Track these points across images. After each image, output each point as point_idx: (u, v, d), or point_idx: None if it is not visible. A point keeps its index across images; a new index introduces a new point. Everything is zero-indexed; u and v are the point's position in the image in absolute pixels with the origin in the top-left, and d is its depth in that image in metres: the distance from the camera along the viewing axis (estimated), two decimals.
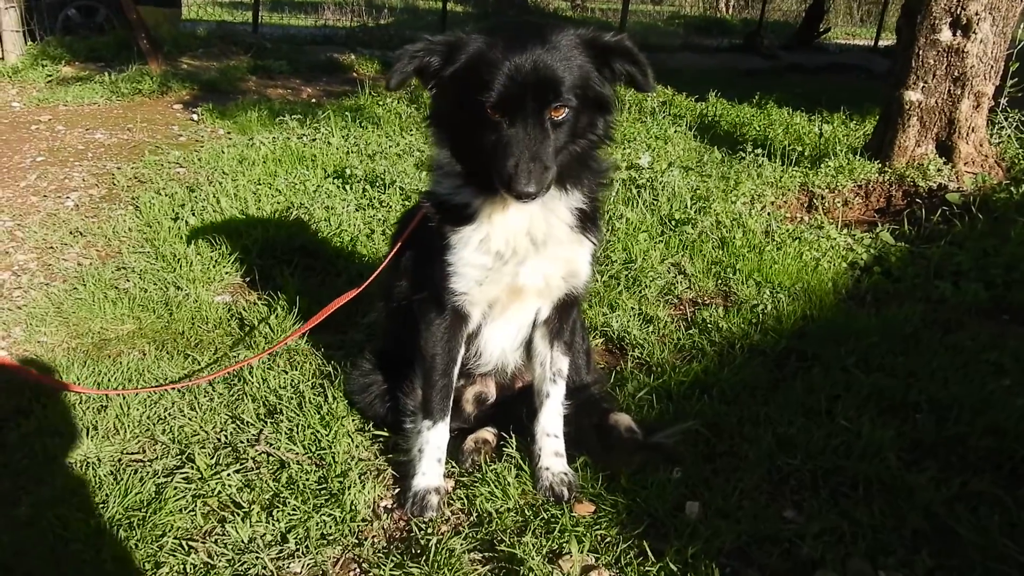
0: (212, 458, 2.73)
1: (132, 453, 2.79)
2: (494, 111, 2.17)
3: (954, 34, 6.24)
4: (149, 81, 9.26)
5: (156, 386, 3.15)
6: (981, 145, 6.47)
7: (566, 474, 2.64)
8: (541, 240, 2.48)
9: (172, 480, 2.62)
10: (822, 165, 6.41)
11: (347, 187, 5.67)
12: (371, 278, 2.93)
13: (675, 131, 7.98)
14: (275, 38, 13.93)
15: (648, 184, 5.77)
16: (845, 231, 5.29)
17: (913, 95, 6.41)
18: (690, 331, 3.82)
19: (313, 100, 9.56)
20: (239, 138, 7.24)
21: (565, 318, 2.75)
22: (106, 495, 2.55)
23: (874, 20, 28.50)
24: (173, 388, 3.11)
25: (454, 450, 2.77)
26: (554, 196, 2.41)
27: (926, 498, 2.55)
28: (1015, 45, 6.67)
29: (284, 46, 13.03)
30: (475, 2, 24.70)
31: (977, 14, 6.11)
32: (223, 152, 6.48)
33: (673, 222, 5.12)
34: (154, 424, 2.94)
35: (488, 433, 2.86)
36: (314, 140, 7.00)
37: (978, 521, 2.46)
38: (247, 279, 4.28)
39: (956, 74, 6.28)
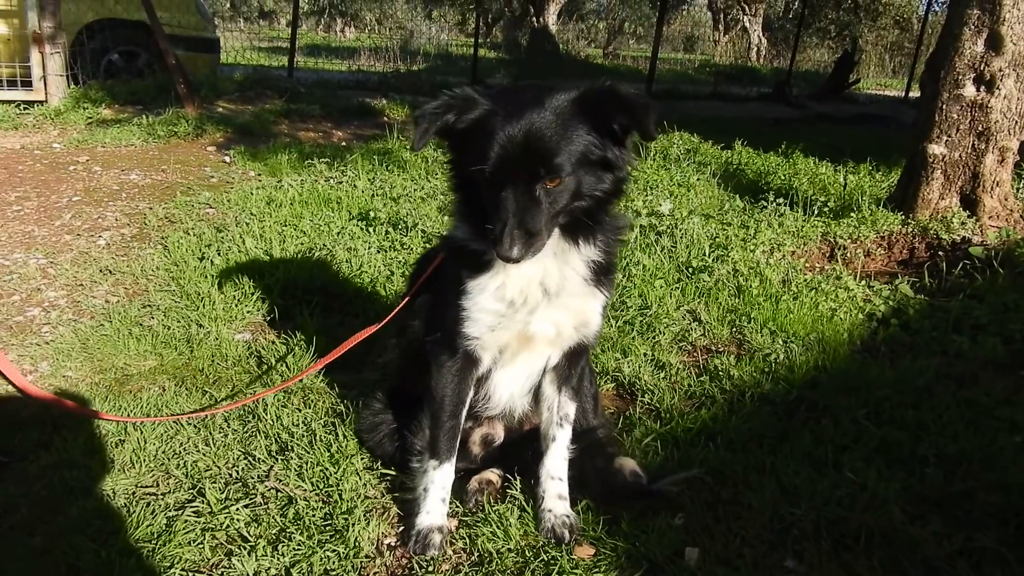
0: (223, 492, 2.80)
1: (146, 486, 2.86)
2: (489, 178, 2.26)
3: (978, 89, 6.27)
4: (185, 124, 9.52)
5: (173, 415, 3.24)
6: (1006, 199, 6.45)
7: (568, 516, 2.67)
8: (554, 291, 2.53)
9: (183, 513, 2.68)
10: (845, 216, 6.43)
11: (370, 229, 5.78)
12: (388, 318, 3.00)
13: (698, 179, 8.04)
14: (309, 83, 14.26)
15: (667, 231, 5.83)
16: (864, 282, 5.29)
17: (937, 148, 6.43)
18: (701, 378, 3.84)
19: (343, 143, 9.77)
20: (268, 180, 7.41)
21: (574, 365, 2.80)
22: (118, 527, 2.61)
23: (905, 71, 28.52)
24: (188, 417, 3.18)
25: (459, 490, 2.81)
26: (567, 250, 2.48)
27: (929, 553, 2.54)
28: None
29: (318, 90, 13.33)
30: (507, 48, 25.14)
31: (1001, 70, 6.14)
32: (252, 193, 6.64)
33: (690, 269, 5.16)
34: (169, 459, 3.01)
35: (493, 474, 2.90)
36: (341, 183, 7.15)
37: None
38: (268, 318, 4.38)
39: (980, 129, 6.29)
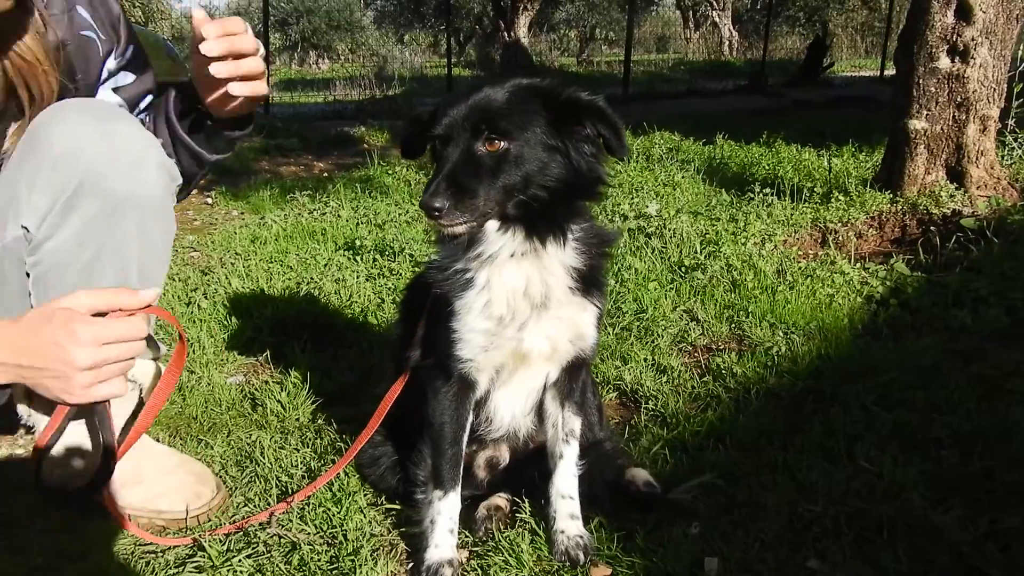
0: (224, 544, 2.70)
1: (144, 544, 2.77)
2: (435, 145, 2.30)
3: (952, 60, 6.25)
4: None
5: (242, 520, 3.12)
6: (992, 168, 6.42)
7: (581, 537, 2.58)
8: (540, 301, 2.44)
9: (183, 571, 2.59)
10: (833, 199, 6.39)
11: (357, 258, 5.71)
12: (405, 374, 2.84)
13: (683, 176, 8.00)
14: (286, 117, 14.27)
15: (657, 232, 5.77)
16: (859, 264, 5.24)
17: (918, 123, 6.40)
18: (704, 379, 3.77)
19: (325, 174, 9.72)
20: (251, 218, 7.35)
21: (575, 379, 2.71)
22: None
23: (878, 50, 28.64)
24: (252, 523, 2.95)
25: (467, 519, 2.72)
26: (539, 251, 2.35)
27: (953, 539, 2.46)
28: (1016, 66, 6.65)
29: (295, 124, 13.31)
30: (482, 66, 25.17)
31: (973, 39, 6.11)
32: (235, 233, 6.57)
33: (683, 268, 5.10)
34: None
35: (501, 499, 2.81)
36: (324, 214, 7.09)
37: (1009, 560, 2.37)
38: (259, 358, 4.29)
39: (959, 99, 6.26)
